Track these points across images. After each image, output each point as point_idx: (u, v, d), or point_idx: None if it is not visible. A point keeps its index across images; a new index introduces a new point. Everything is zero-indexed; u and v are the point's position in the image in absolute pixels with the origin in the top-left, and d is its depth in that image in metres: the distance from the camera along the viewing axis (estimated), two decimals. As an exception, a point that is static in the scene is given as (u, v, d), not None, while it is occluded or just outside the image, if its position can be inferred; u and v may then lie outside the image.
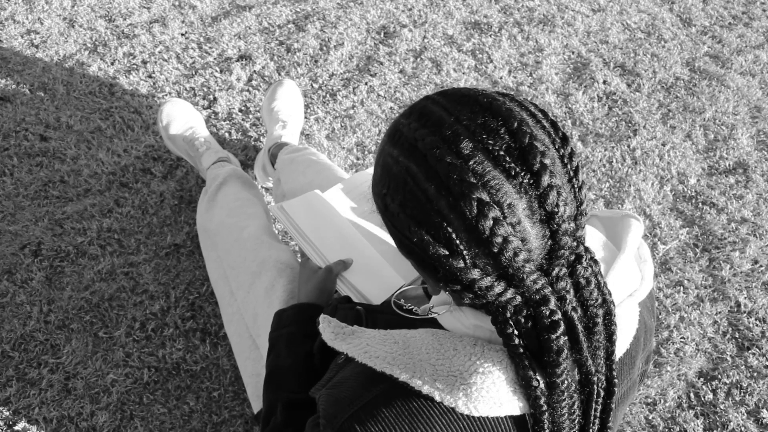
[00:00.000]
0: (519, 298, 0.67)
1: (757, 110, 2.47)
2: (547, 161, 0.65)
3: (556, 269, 0.68)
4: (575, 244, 0.69)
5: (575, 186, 0.68)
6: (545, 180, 0.65)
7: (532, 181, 0.65)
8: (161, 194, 1.91)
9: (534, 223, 0.65)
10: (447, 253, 0.66)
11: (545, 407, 0.69)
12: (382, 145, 0.73)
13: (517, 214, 0.64)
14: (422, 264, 0.71)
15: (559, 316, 0.68)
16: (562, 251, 0.67)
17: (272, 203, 1.89)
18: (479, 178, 0.63)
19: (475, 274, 0.66)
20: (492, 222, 0.63)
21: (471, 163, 0.64)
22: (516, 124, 0.66)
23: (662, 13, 2.90)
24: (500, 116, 0.67)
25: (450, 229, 0.65)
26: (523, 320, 0.68)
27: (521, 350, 0.68)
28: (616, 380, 0.76)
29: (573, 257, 0.70)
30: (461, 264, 0.66)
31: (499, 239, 0.63)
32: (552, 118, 0.70)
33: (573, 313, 0.70)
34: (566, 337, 0.69)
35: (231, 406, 1.52)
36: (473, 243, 0.65)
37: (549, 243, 0.67)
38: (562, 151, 0.68)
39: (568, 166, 0.68)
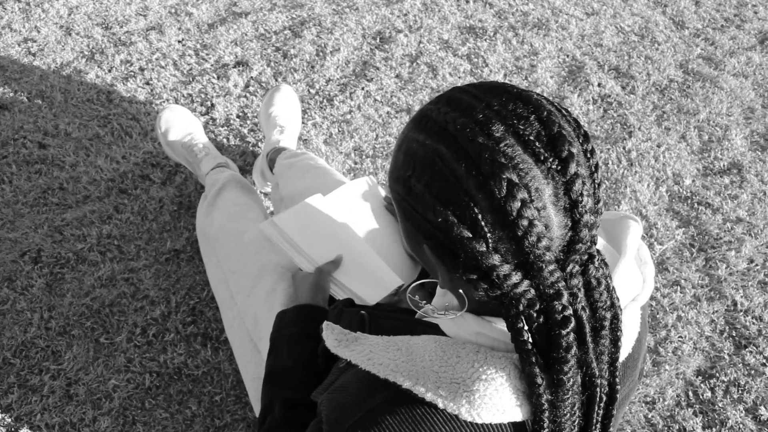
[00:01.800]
0: (533, 292, 0.67)
1: (750, 111, 2.49)
2: (574, 150, 0.66)
3: (571, 265, 0.69)
4: (589, 243, 0.70)
5: (595, 182, 0.69)
6: (572, 168, 0.65)
7: (559, 167, 0.65)
8: (160, 200, 1.92)
9: (558, 210, 0.66)
10: (470, 235, 0.65)
11: (546, 405, 0.69)
12: (406, 132, 0.73)
13: (543, 199, 0.64)
14: (440, 250, 0.70)
15: (570, 312, 0.68)
16: (580, 245, 0.68)
17: (270, 208, 1.90)
18: (509, 159, 0.64)
19: (496, 259, 0.65)
20: (520, 204, 0.63)
21: (502, 145, 0.64)
22: (546, 113, 0.67)
23: (655, 16, 2.93)
24: (531, 105, 0.68)
25: (476, 210, 0.65)
26: (535, 315, 0.68)
27: (529, 346, 0.68)
28: (618, 386, 0.76)
29: (586, 256, 0.71)
30: (483, 248, 0.65)
31: (525, 222, 0.63)
32: (574, 116, 0.71)
33: (582, 312, 0.70)
34: (575, 335, 0.69)
35: (233, 410, 1.53)
36: (498, 225, 0.65)
37: (569, 234, 0.67)
38: (585, 146, 0.69)
39: (590, 161, 0.69)
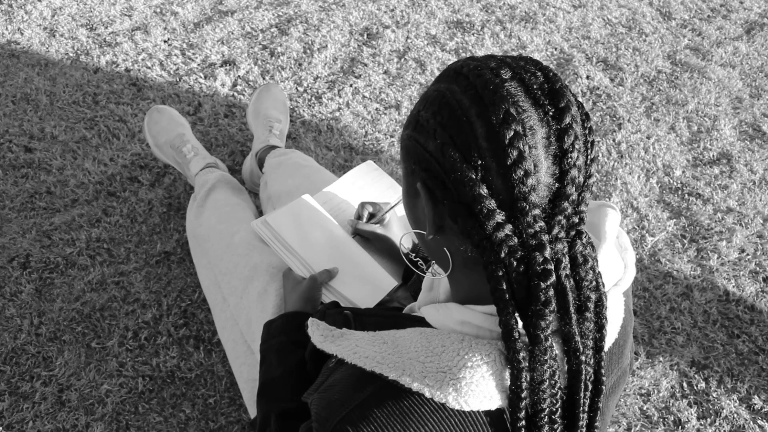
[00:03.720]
0: (515, 240, 0.68)
1: (739, 101, 2.50)
2: (572, 108, 0.69)
3: (557, 228, 0.69)
4: (577, 219, 0.70)
5: (589, 154, 0.71)
6: (567, 118, 0.68)
7: (556, 115, 0.68)
8: (149, 202, 1.90)
9: (548, 155, 0.68)
10: (463, 159, 0.68)
11: (524, 364, 0.68)
12: (428, 87, 0.78)
13: (536, 139, 0.67)
14: (433, 183, 0.72)
15: (551, 266, 0.68)
16: (566, 204, 0.68)
17: (259, 208, 1.89)
18: (510, 96, 0.68)
19: (483, 190, 0.67)
20: (513, 133, 0.66)
21: (506, 84, 0.68)
22: (552, 74, 0.71)
23: (642, 8, 2.93)
24: (539, 65, 0.72)
25: (473, 136, 0.67)
26: (515, 263, 0.68)
27: (507, 296, 0.68)
28: (604, 378, 0.75)
29: (574, 232, 0.71)
30: (472, 175, 0.67)
31: (515, 152, 0.65)
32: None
33: (566, 281, 0.70)
34: (554, 293, 0.68)
35: (227, 413, 1.52)
36: (489, 153, 0.67)
37: (556, 186, 0.68)
38: (586, 124, 0.72)
39: (586, 129, 0.71)
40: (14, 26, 2.43)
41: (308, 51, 2.47)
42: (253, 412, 1.31)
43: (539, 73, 0.71)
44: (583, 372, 0.72)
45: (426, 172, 0.72)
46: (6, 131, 2.06)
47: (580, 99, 2.34)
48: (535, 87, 0.69)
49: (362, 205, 1.43)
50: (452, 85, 0.72)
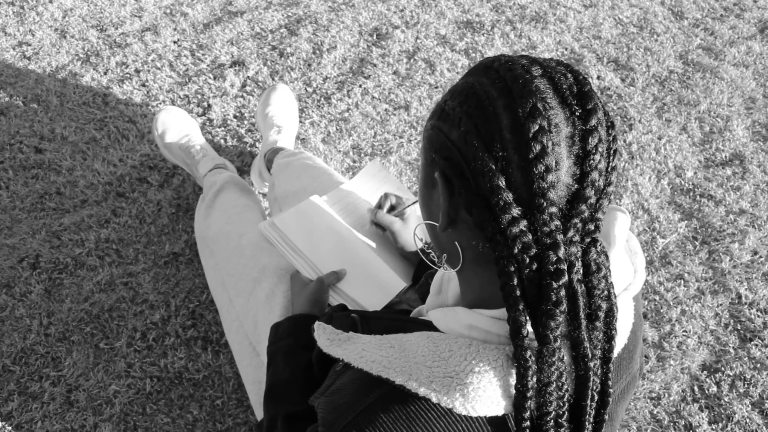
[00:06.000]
0: (530, 236, 0.67)
1: (752, 101, 2.47)
2: (599, 113, 0.69)
3: (572, 231, 0.68)
4: (593, 227, 0.70)
5: (610, 161, 0.71)
6: (593, 120, 0.68)
7: (582, 116, 0.69)
8: (158, 203, 1.91)
9: (570, 154, 0.68)
10: (485, 148, 0.68)
11: (530, 363, 0.67)
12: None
13: (560, 136, 0.67)
14: (452, 171, 0.72)
15: (564, 267, 0.67)
16: (583, 206, 0.68)
17: (267, 209, 1.89)
18: (539, 92, 0.68)
19: (501, 182, 0.67)
20: (538, 127, 0.66)
21: (536, 80, 0.69)
22: (582, 77, 0.72)
23: (654, 7, 2.91)
24: (570, 69, 0.73)
25: (497, 127, 0.68)
26: (528, 260, 0.67)
27: (518, 292, 0.67)
28: (611, 390, 0.75)
29: (589, 239, 0.70)
30: (492, 165, 0.67)
31: (538, 146, 0.65)
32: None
33: (578, 285, 0.69)
34: (566, 295, 0.68)
35: (235, 414, 1.52)
36: (512, 145, 0.67)
37: (575, 187, 0.68)
38: (611, 131, 0.72)
39: (611, 138, 0.71)
40: (26, 27, 2.45)
41: (317, 51, 2.47)
42: (259, 413, 1.31)
43: (569, 75, 0.71)
44: (591, 380, 0.71)
45: (446, 161, 0.73)
46: (17, 132, 2.08)
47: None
48: (564, 87, 0.69)
49: (385, 195, 1.42)
50: (482, 78, 0.72)
